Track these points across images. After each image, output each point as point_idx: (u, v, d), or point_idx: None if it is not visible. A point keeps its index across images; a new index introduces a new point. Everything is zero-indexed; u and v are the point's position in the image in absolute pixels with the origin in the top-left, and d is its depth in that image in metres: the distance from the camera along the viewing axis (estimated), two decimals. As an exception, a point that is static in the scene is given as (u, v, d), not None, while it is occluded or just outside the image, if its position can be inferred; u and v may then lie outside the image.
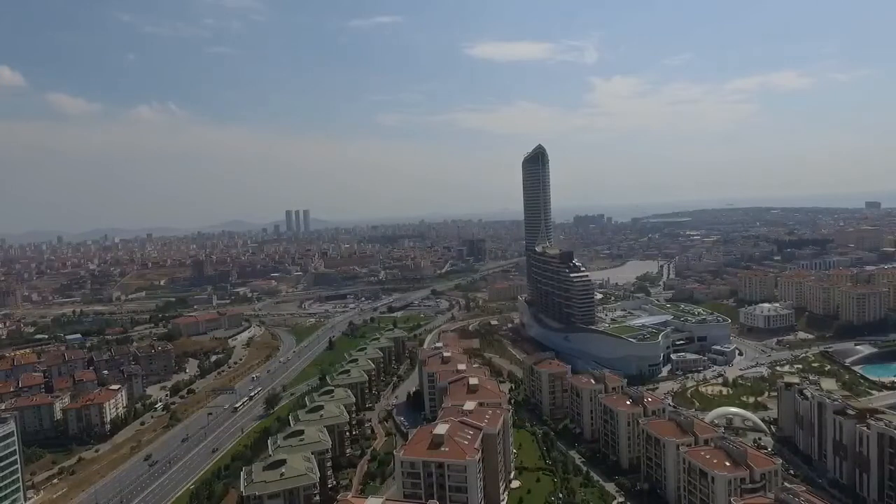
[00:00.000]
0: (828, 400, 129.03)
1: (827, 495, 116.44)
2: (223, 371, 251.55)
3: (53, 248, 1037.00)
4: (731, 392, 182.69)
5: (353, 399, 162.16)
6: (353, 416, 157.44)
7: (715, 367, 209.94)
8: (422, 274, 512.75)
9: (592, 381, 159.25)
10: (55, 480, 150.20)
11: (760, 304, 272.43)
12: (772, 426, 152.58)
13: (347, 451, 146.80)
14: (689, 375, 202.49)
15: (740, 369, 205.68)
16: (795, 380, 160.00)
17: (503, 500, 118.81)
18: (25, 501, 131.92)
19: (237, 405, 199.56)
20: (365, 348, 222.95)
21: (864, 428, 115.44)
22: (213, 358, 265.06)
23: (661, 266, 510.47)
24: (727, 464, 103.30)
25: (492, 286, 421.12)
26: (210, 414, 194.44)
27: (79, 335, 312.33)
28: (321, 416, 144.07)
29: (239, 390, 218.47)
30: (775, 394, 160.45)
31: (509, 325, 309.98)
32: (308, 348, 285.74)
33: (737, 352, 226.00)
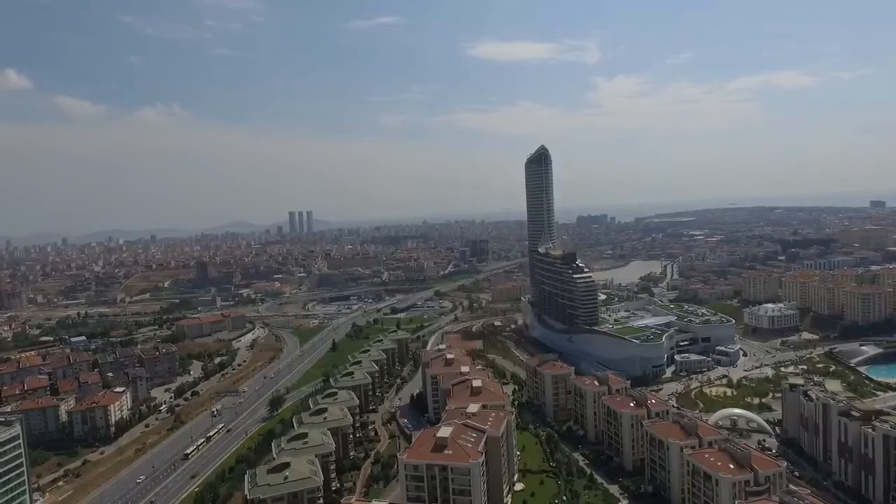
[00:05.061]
0: (832, 401, 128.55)
1: (832, 498, 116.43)
2: (227, 373, 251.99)
3: (58, 249, 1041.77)
4: (735, 393, 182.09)
5: (357, 401, 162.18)
6: (357, 418, 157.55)
7: (719, 368, 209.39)
8: (425, 275, 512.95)
9: (596, 382, 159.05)
10: (61, 483, 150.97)
11: (765, 305, 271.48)
12: (776, 428, 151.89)
13: (351, 453, 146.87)
14: (693, 376, 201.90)
15: (744, 370, 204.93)
16: (800, 381, 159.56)
17: (507, 502, 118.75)
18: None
19: (188, 451, 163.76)
20: (368, 350, 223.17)
21: (870, 430, 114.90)
22: (217, 360, 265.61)
23: (665, 266, 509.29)
24: (731, 466, 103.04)
25: (495, 287, 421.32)
26: (215, 413, 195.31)
27: (83, 337, 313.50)
28: (325, 418, 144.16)
29: (241, 390, 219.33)
30: (780, 395, 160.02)
31: (512, 327, 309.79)
32: (311, 350, 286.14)
33: (741, 353, 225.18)
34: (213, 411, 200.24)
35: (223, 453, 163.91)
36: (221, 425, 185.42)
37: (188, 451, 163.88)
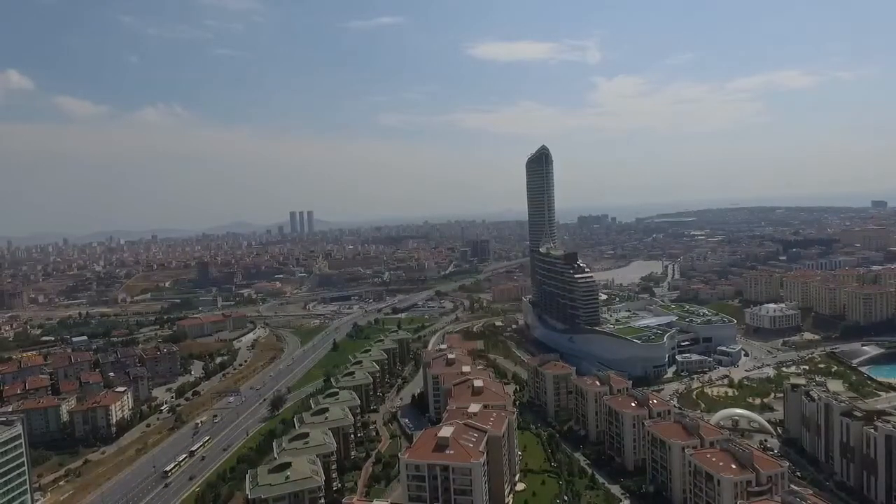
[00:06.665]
0: (834, 401, 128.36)
1: (834, 498, 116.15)
2: (228, 373, 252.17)
3: (59, 249, 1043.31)
4: (736, 393, 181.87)
5: (358, 401, 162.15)
6: (358, 418, 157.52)
7: (720, 368, 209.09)
8: (426, 275, 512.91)
9: (597, 382, 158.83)
10: (62, 482, 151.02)
11: (766, 305, 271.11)
12: (778, 428, 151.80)
13: (352, 453, 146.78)
14: (695, 377, 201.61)
15: (746, 370, 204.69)
16: (802, 381, 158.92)
17: (508, 502, 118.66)
18: (33, 503, 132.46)
19: (168, 468, 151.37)
20: (369, 350, 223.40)
21: (872, 430, 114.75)
22: (219, 360, 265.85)
23: (666, 266, 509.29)
24: (733, 466, 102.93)
25: (496, 287, 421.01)
26: (215, 416, 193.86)
27: (84, 337, 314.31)
28: (326, 418, 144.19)
29: (243, 392, 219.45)
30: (781, 395, 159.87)
31: (514, 327, 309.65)
32: (312, 350, 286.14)
33: (742, 353, 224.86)
34: (197, 423, 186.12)
35: (204, 472, 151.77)
36: (207, 437, 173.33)
37: (168, 469, 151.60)
